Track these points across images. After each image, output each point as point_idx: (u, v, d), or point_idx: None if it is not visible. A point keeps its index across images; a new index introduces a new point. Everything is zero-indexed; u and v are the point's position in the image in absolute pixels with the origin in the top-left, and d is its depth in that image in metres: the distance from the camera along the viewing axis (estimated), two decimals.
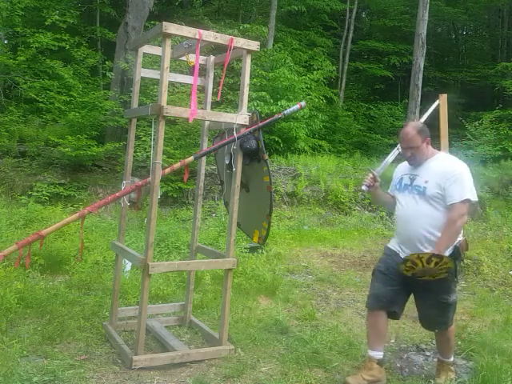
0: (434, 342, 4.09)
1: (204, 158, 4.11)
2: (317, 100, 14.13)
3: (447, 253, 3.04)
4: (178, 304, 4.37)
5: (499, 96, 19.95)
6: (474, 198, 3.05)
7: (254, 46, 3.57)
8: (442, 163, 3.16)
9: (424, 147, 3.17)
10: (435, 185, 3.08)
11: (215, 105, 9.12)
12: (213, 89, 4.23)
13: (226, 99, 10.84)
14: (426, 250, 3.07)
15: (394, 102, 18.45)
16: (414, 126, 3.21)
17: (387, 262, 3.28)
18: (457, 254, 3.12)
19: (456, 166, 3.12)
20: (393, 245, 3.33)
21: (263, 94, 11.65)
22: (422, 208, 3.11)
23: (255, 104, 11.37)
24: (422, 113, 13.47)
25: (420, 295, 3.24)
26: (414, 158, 3.19)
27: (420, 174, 3.20)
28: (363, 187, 3.35)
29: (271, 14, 14.10)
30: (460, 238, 3.15)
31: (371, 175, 3.35)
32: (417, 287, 3.20)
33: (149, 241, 3.32)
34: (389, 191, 3.47)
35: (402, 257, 3.14)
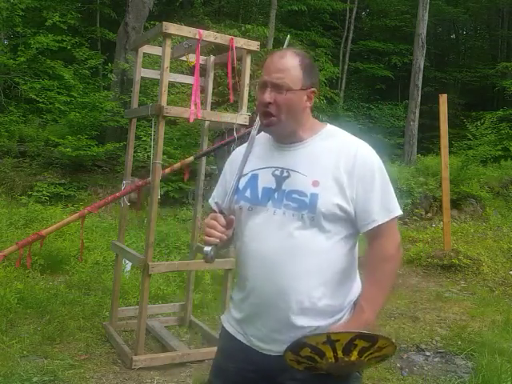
0: (434, 341, 4.11)
1: (204, 158, 4.12)
2: (317, 100, 14.12)
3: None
4: (178, 304, 4.37)
5: (499, 96, 19.93)
6: (400, 210, 1.58)
7: (254, 46, 3.57)
8: (339, 143, 1.57)
9: (304, 103, 1.56)
10: (336, 189, 1.50)
11: (215, 105, 9.12)
12: (213, 89, 4.23)
13: (227, 99, 10.84)
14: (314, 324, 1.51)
15: (395, 102, 18.46)
16: (296, 53, 1.55)
17: (230, 369, 1.63)
18: None
19: (371, 153, 1.57)
20: (231, 321, 1.67)
21: None
22: (306, 239, 1.50)
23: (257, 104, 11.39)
24: (421, 114, 13.52)
25: None
26: (279, 120, 1.53)
27: (298, 165, 1.55)
28: (206, 250, 1.52)
29: (271, 14, 14.10)
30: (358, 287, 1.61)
31: (220, 220, 1.54)
32: None
33: (149, 241, 3.32)
34: (215, 202, 1.71)
35: (254, 347, 1.57)
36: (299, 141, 1.58)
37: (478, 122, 11.89)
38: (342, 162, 1.52)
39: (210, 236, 1.53)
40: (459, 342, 4.03)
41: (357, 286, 1.60)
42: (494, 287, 5.86)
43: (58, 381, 3.08)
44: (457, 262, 6.41)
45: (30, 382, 3.02)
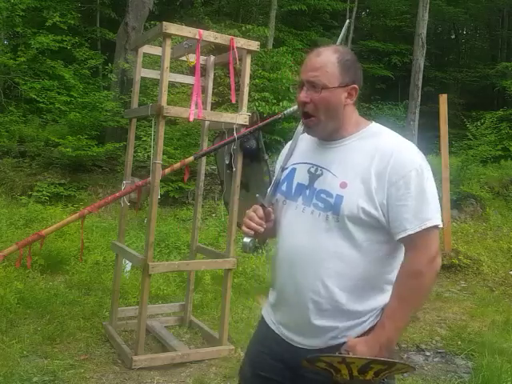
0: (434, 341, 4.11)
1: (204, 158, 4.12)
2: None
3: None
4: (177, 304, 4.38)
5: (499, 96, 19.93)
6: (440, 220, 1.44)
7: (254, 46, 3.57)
8: (377, 143, 1.48)
9: (343, 101, 1.50)
10: (363, 192, 1.44)
11: (215, 105, 9.11)
12: (213, 89, 4.23)
13: (227, 99, 10.84)
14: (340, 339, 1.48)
15: (395, 102, 18.45)
16: (335, 50, 1.51)
17: (259, 354, 1.66)
18: None
19: (412, 155, 1.46)
20: (268, 308, 1.71)
21: (266, 94, 11.68)
22: (329, 241, 1.46)
23: (257, 104, 11.39)
24: (421, 114, 13.50)
25: None
26: (318, 120, 1.50)
27: (331, 164, 1.52)
28: (245, 241, 1.59)
29: (271, 14, 14.09)
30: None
31: (258, 212, 1.58)
32: None
33: (149, 241, 3.32)
34: (269, 194, 1.65)
35: (281, 336, 1.60)
36: (339, 138, 1.54)
37: (478, 122, 11.87)
38: (374, 164, 1.44)
39: (247, 227, 1.57)
40: (459, 342, 4.03)
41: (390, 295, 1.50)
42: (493, 287, 5.86)
43: (58, 381, 3.08)
44: (457, 262, 6.41)
45: (30, 382, 3.02)
